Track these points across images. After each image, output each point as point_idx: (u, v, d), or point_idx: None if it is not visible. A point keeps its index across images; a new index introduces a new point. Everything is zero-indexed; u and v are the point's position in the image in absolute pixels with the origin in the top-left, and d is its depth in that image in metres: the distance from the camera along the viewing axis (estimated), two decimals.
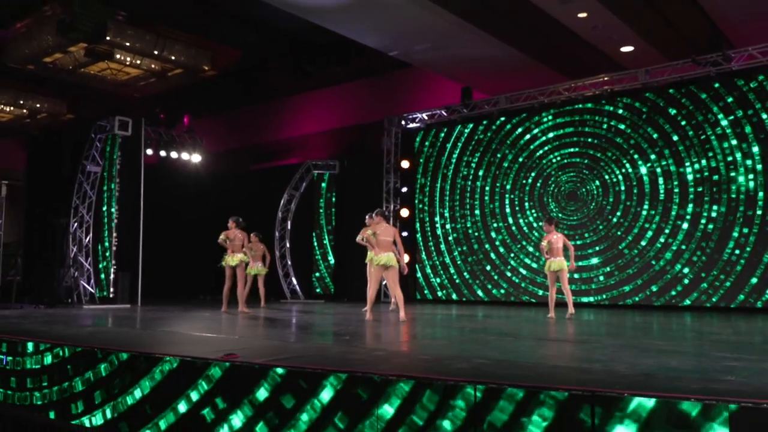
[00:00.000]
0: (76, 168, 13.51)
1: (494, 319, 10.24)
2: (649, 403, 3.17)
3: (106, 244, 13.44)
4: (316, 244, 16.90)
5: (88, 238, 13.37)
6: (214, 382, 4.46)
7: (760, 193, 11.75)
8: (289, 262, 16.61)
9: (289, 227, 16.75)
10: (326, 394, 3.98)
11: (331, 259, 16.83)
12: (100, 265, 13.50)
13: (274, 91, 19.18)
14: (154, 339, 6.68)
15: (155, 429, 4.67)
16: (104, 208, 13.52)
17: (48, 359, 5.47)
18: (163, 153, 17.15)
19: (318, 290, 16.83)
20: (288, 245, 16.69)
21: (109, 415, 5.01)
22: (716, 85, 12.34)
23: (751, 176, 11.87)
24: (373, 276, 9.52)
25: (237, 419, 4.29)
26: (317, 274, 16.93)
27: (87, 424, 5.11)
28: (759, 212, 11.70)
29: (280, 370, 4.20)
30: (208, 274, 19.21)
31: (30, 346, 5.74)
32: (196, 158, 18.59)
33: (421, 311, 12.23)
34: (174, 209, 15.99)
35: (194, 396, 4.53)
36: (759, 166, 11.78)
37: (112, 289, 13.23)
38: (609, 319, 10.09)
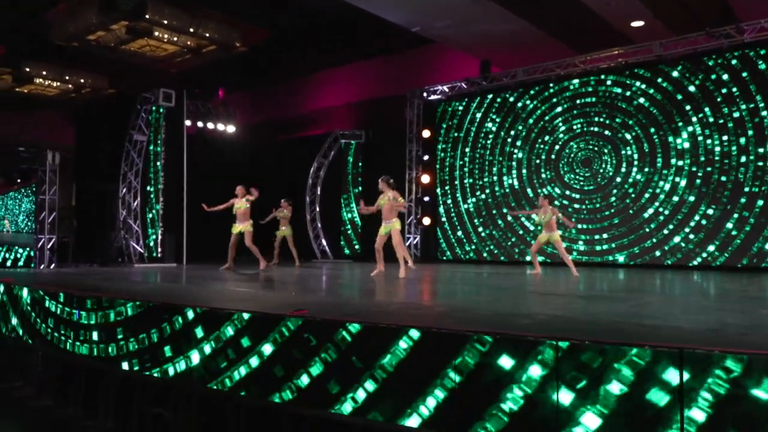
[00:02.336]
0: (120, 138, 13.23)
1: (521, 277, 9.97)
2: (739, 360, 2.90)
3: (155, 208, 13.19)
4: (344, 208, 16.63)
5: (136, 203, 13.14)
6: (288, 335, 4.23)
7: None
8: (319, 225, 16.36)
9: (318, 193, 16.45)
10: (404, 344, 3.71)
11: (358, 222, 16.56)
12: (148, 228, 13.28)
13: (302, 68, 18.74)
14: (219, 296, 6.47)
15: (228, 380, 4.47)
16: (151, 175, 13.25)
17: (128, 311, 5.24)
18: (200, 124, 16.86)
19: (346, 251, 16.61)
20: (318, 209, 16.42)
21: (182, 366, 4.81)
22: (729, 56, 11.85)
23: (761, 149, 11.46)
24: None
25: (314, 369, 4.06)
26: (345, 236, 16.69)
27: (159, 375, 4.92)
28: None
29: (354, 327, 3.95)
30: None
31: (105, 301, 5.52)
32: (230, 129, 18.31)
33: (451, 270, 12.00)
34: (212, 176, 15.67)
35: (268, 349, 4.30)
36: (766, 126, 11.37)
37: (159, 250, 13.02)
38: (630, 278, 9.79)
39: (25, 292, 6.77)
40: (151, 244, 13.13)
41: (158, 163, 13.21)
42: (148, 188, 13.25)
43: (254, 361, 4.35)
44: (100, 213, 13.83)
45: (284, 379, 4.16)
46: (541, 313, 4.70)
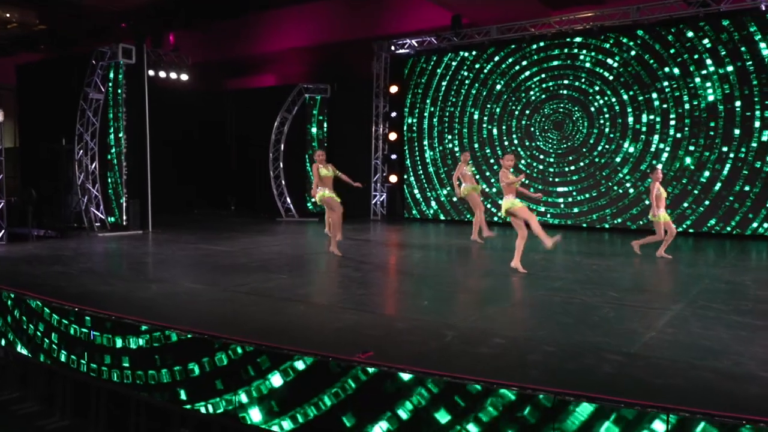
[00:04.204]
0: (74, 96, 12.06)
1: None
2: None
3: (117, 171, 12.25)
4: (308, 165, 16.04)
5: (94, 165, 12.17)
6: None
7: (736, 131, 11.57)
8: (283, 182, 15.76)
9: (282, 149, 15.75)
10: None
11: None
12: (111, 193, 12.36)
13: (255, 3, 17.41)
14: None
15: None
16: (111, 136, 12.21)
17: (161, 340, 4.76)
18: (151, 72, 15.60)
19: (311, 208, 16.15)
20: (282, 166, 15.77)
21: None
22: (703, 24, 11.81)
23: (731, 110, 11.64)
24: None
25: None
26: (310, 193, 16.18)
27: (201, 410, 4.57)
28: (734, 147, 11.58)
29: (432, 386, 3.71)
30: (200, 190, 18.32)
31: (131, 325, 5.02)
32: (183, 77, 17.11)
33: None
34: (165, 129, 14.68)
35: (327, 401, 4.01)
36: (737, 96, 11.54)
37: (125, 217, 12.18)
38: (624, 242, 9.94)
39: None
40: (115, 210, 12.28)
41: (118, 124, 12.17)
42: (112, 151, 12.26)
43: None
44: (54, 174, 12.74)
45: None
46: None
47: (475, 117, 14.47)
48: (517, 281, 7.20)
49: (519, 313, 5.91)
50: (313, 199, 15.83)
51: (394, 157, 15.65)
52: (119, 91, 12.03)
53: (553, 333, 4.88)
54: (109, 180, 12.36)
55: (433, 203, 15.13)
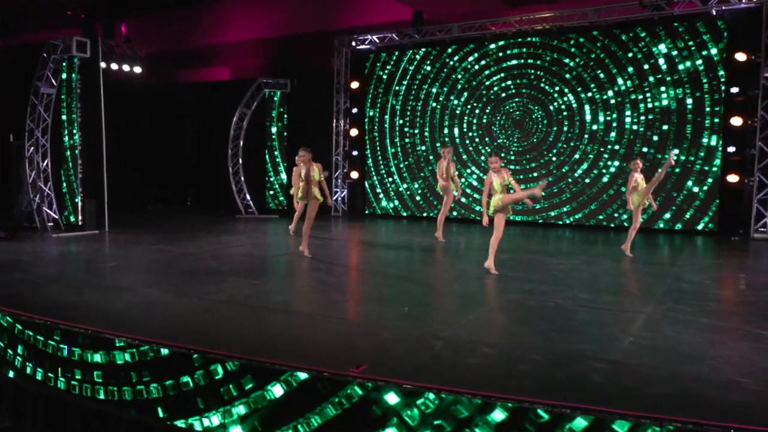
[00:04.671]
0: (23, 90, 11.54)
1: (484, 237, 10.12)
2: None
3: (71, 169, 11.79)
4: (268, 161, 15.83)
5: (45, 162, 11.69)
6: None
7: (688, 133, 12.04)
8: (242, 179, 15.52)
9: (241, 145, 15.49)
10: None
11: (284, 176, 15.90)
12: (65, 192, 11.89)
13: None
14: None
15: None
16: (65, 132, 11.72)
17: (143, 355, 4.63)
18: (103, 65, 15.03)
19: (271, 205, 15.96)
20: (241, 162, 15.51)
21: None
22: (658, 28, 12.20)
23: (682, 113, 12.08)
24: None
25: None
26: (270, 191, 15.99)
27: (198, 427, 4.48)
28: (684, 145, 12.05)
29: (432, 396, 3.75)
30: (155, 185, 17.86)
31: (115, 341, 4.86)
32: (137, 70, 16.59)
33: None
34: (118, 124, 14.21)
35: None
36: (689, 97, 11.99)
37: (80, 217, 11.74)
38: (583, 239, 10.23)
39: None
40: (70, 209, 11.84)
41: (74, 121, 11.70)
42: (63, 146, 11.78)
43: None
44: (2, 173, 12.18)
45: None
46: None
47: (437, 113, 14.56)
48: (489, 283, 7.33)
49: (499, 318, 6.02)
50: (276, 199, 15.79)
51: (355, 153, 15.61)
52: (73, 85, 11.54)
53: (537, 340, 5.00)
54: (63, 178, 11.88)
55: (394, 199, 15.19)
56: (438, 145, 14.51)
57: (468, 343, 4.95)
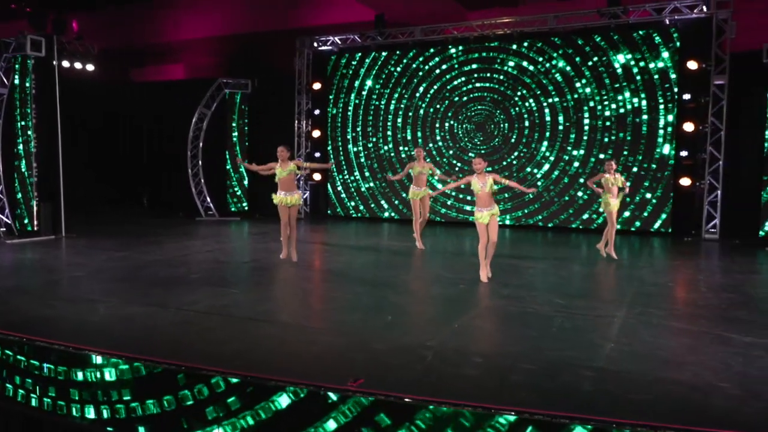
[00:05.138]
0: None
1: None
2: None
3: (25, 172, 11.32)
4: (229, 162, 15.58)
5: None
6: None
7: (642, 140, 12.51)
8: (202, 181, 15.24)
9: (201, 146, 15.20)
10: None
11: (245, 177, 15.69)
12: (18, 196, 11.42)
13: None
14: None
15: None
16: (19, 133, 11.24)
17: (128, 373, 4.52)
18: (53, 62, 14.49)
19: (232, 207, 15.73)
20: (201, 164, 15.23)
21: None
22: (614, 35, 12.61)
23: (638, 118, 12.54)
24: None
25: None
26: (231, 192, 15.74)
27: None
28: (640, 149, 12.52)
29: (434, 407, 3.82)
30: (111, 186, 17.39)
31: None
32: (89, 67, 16.02)
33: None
34: (72, 123, 13.72)
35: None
36: (644, 103, 12.46)
37: (36, 221, 11.30)
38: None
39: None
40: (24, 214, 11.38)
41: (28, 123, 11.24)
42: (19, 150, 11.31)
43: None
44: None
45: None
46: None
47: (400, 115, 14.66)
48: (466, 289, 7.46)
49: (483, 326, 6.14)
50: (235, 200, 15.54)
51: (317, 155, 15.54)
52: (27, 85, 11.09)
53: (524, 348, 5.14)
54: (16, 181, 11.41)
55: (357, 200, 15.21)
56: (406, 149, 14.60)
57: (457, 352, 5.04)
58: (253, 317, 6.06)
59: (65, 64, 15.28)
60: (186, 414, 4.35)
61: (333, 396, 4.04)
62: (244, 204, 15.71)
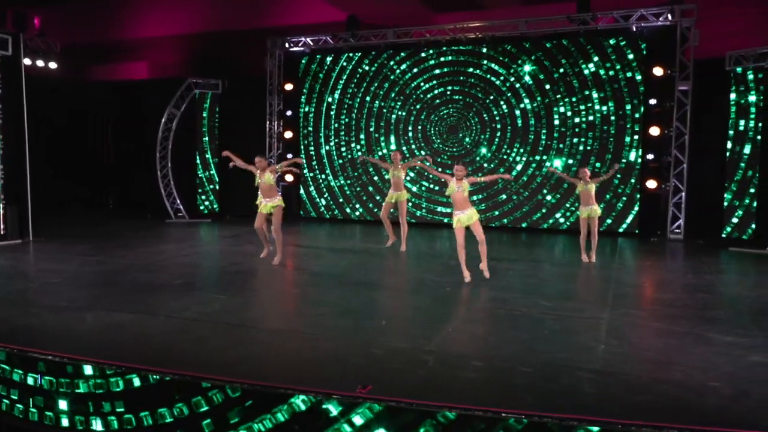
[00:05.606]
0: None
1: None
2: None
3: None
4: (199, 163, 15.35)
5: None
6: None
7: (612, 134, 12.87)
8: (172, 182, 14.98)
9: (170, 147, 14.93)
10: None
11: (216, 178, 15.49)
12: None
13: None
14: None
15: None
16: None
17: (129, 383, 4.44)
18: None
19: (203, 209, 15.50)
20: (170, 165, 14.96)
21: None
22: (583, 40, 12.93)
23: (605, 122, 12.89)
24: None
25: None
26: (201, 193, 15.51)
27: None
28: (609, 149, 12.87)
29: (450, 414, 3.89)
30: (75, 187, 16.94)
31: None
32: (52, 65, 15.55)
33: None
34: (34, 123, 13.29)
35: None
36: (611, 105, 12.81)
37: (2, 225, 10.91)
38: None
39: None
40: None
41: None
42: None
43: None
44: None
45: None
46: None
47: (373, 117, 14.70)
48: (453, 291, 7.56)
49: (476, 330, 6.23)
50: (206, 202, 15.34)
51: (290, 156, 15.43)
52: None
53: (519, 351, 5.26)
54: None
55: (329, 202, 15.19)
56: (385, 151, 14.65)
57: (456, 357, 5.13)
58: (246, 324, 6.03)
59: (27, 61, 14.84)
60: (209, 421, 4.32)
61: (344, 402, 4.07)
62: (215, 205, 15.50)
